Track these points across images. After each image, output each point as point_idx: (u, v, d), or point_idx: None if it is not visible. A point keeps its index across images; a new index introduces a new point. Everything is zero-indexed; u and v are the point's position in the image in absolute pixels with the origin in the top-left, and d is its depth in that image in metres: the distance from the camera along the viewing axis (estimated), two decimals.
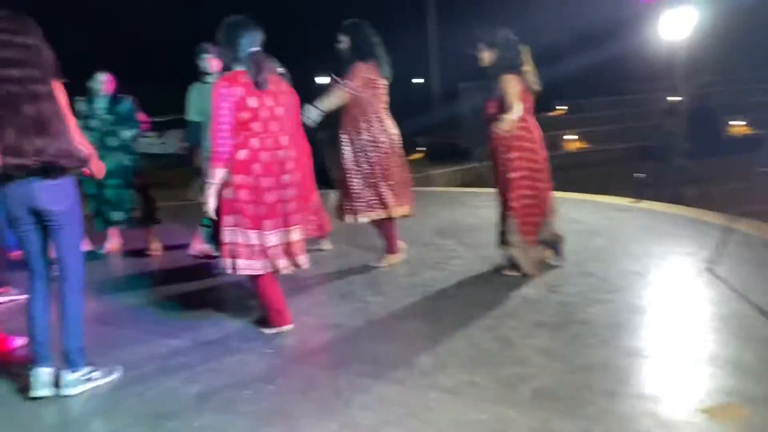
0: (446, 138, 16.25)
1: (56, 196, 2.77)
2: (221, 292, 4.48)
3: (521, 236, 4.18)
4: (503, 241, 4.26)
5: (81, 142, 2.89)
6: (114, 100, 5.46)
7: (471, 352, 3.12)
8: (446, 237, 5.64)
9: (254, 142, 3.31)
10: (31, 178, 2.70)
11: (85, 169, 2.92)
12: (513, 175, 4.11)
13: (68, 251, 2.86)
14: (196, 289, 4.55)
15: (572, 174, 9.63)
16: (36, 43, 2.79)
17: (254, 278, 3.43)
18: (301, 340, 3.46)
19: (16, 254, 4.16)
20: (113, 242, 5.90)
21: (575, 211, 6.20)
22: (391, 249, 4.76)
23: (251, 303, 3.80)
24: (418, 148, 15.61)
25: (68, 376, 2.88)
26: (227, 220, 3.33)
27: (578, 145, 16.90)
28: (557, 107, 20.18)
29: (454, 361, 3.03)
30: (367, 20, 4.50)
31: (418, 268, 4.65)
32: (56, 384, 2.87)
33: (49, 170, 2.70)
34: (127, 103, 5.50)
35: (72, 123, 2.86)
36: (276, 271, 3.42)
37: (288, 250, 3.43)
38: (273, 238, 3.36)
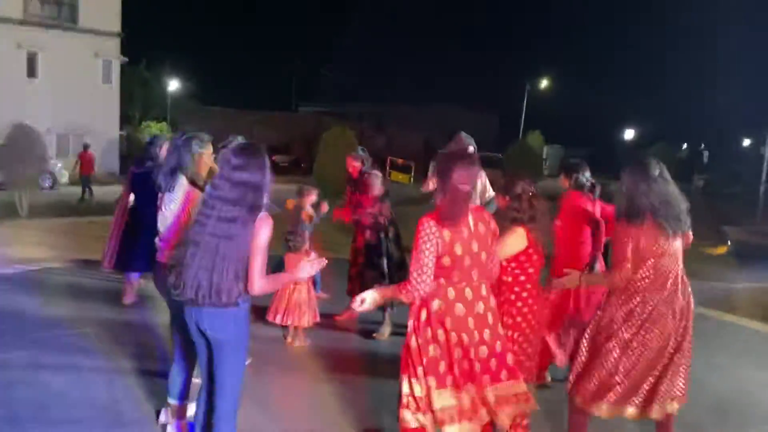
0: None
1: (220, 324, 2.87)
2: None
3: None
4: None
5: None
6: None
7: None
8: (725, 424, 4.24)
9: (450, 293, 2.92)
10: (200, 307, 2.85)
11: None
12: None
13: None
14: None
15: None
16: (253, 181, 2.82)
17: None
18: None
19: None
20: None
21: None
22: None
23: None
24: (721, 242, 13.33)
25: None
26: (408, 369, 2.97)
27: None
28: None
29: None
30: None
31: None
32: None
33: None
34: None
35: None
36: None
37: (471, 410, 2.91)
38: (451, 399, 2.91)
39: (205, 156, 3.58)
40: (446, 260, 2.89)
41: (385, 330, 5.56)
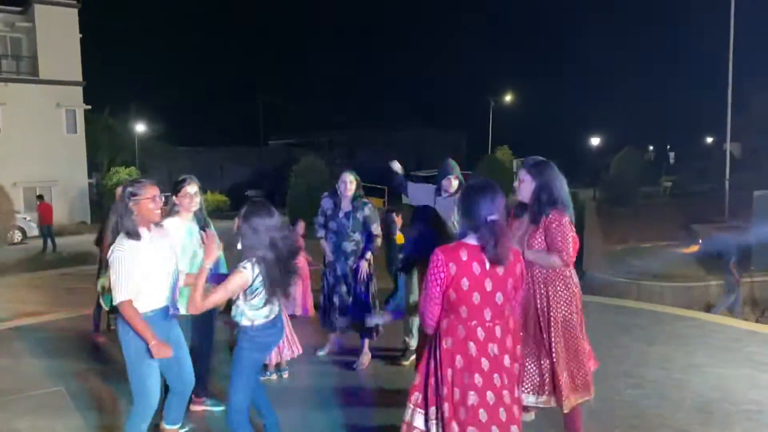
0: (736, 227, 13.84)
1: None
2: None
3: None
4: None
5: None
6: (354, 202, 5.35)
7: None
8: (710, 425, 4.21)
9: (461, 331, 2.84)
10: None
11: None
12: None
13: None
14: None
15: None
16: None
17: None
18: None
19: None
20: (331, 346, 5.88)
21: None
22: None
23: None
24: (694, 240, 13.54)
25: None
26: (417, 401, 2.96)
27: None
28: None
29: None
30: None
31: None
32: None
33: None
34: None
35: None
36: None
37: None
38: None
39: (143, 202, 3.37)
40: (452, 294, 2.82)
41: (365, 359, 5.50)
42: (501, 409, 2.82)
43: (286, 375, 5.26)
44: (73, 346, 6.50)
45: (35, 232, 22.38)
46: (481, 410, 2.80)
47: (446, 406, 2.84)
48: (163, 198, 3.52)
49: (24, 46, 28.87)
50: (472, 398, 2.80)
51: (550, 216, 3.52)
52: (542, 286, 3.60)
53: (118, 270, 3.27)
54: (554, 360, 3.53)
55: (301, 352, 5.24)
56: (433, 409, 2.89)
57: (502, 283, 2.85)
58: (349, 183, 5.32)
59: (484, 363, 2.82)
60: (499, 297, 2.85)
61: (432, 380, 2.90)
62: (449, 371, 2.84)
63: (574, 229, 3.61)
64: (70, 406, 4.78)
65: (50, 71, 28.28)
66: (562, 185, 3.61)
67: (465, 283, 2.80)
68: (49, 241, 18.84)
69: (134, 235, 3.32)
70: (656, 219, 18.10)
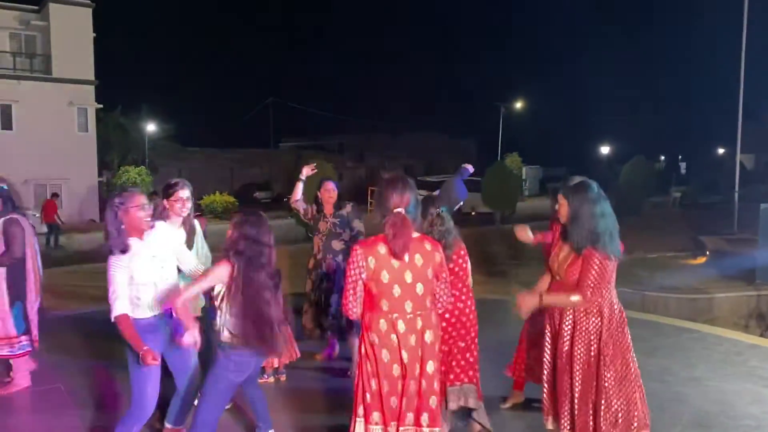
0: (745, 238, 13.68)
1: None
2: None
3: None
4: None
5: None
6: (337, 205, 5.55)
7: None
8: None
9: (383, 325, 2.93)
10: None
11: None
12: None
13: None
14: None
15: None
16: None
17: None
18: None
19: None
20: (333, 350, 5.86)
21: None
22: None
23: None
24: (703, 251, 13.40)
25: None
26: (357, 410, 3.01)
27: None
28: None
29: None
30: None
31: None
32: None
33: None
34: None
35: None
36: None
37: None
38: None
39: (131, 210, 3.39)
40: (372, 287, 2.92)
41: (355, 368, 5.46)
42: (405, 399, 2.93)
43: (283, 378, 5.26)
44: (71, 343, 6.52)
45: (45, 229, 22.55)
46: (392, 398, 2.92)
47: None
48: (152, 205, 3.55)
49: (38, 44, 29.14)
50: (386, 386, 2.92)
51: (586, 252, 3.29)
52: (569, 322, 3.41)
53: (112, 285, 3.31)
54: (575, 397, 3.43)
55: (299, 356, 5.23)
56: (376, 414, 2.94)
57: (421, 273, 2.93)
58: (333, 191, 5.58)
59: (404, 354, 2.91)
60: (419, 288, 2.92)
61: (367, 380, 2.96)
62: (372, 363, 2.95)
63: (608, 264, 3.30)
64: (68, 404, 4.80)
65: (63, 70, 28.51)
66: (595, 211, 3.29)
67: (385, 275, 2.88)
68: (51, 238, 19.19)
69: (125, 250, 3.36)
70: (664, 229, 17.95)
